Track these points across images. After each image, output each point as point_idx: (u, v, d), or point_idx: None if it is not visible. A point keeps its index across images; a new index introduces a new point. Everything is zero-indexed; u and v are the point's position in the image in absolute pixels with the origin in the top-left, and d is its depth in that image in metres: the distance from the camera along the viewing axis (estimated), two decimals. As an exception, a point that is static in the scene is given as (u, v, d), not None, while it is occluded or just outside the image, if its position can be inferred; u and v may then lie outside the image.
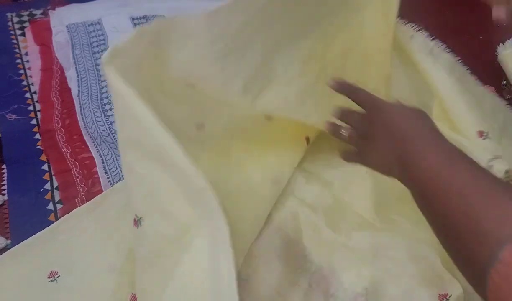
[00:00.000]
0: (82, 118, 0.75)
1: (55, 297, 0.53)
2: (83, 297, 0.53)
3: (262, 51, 0.54)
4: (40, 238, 0.58)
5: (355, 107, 0.47)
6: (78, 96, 0.80)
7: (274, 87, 0.55)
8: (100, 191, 0.65)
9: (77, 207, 0.63)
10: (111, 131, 0.73)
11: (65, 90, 0.82)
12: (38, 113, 0.79)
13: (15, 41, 0.95)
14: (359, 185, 0.64)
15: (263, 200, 0.59)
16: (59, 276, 0.54)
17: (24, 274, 0.54)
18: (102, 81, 0.83)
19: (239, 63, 0.52)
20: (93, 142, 0.72)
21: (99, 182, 0.66)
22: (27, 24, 1.00)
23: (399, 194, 0.62)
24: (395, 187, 0.63)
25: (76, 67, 0.85)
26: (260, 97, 0.55)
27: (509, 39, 0.95)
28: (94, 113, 0.76)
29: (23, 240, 0.57)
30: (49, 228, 0.59)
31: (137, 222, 0.46)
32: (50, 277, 0.54)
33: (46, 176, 0.68)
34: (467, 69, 0.71)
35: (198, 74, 0.51)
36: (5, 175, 0.68)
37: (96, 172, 0.67)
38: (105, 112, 0.76)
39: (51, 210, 0.64)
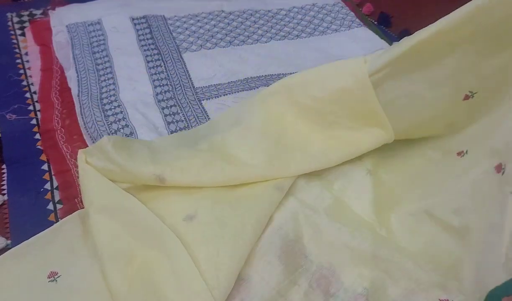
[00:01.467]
0: (82, 118, 0.75)
1: (55, 297, 0.53)
2: (82, 297, 0.53)
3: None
4: (40, 238, 0.58)
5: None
6: (78, 96, 0.80)
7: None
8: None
9: (77, 207, 0.63)
10: (111, 131, 0.73)
11: (65, 90, 0.82)
12: (38, 113, 0.79)
13: (15, 41, 0.95)
14: (358, 186, 0.64)
15: (266, 204, 0.59)
16: (59, 276, 0.54)
17: (24, 274, 0.54)
18: (102, 81, 0.83)
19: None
20: (93, 142, 0.72)
21: (99, 182, 0.66)
22: (27, 24, 1.00)
23: (397, 197, 0.63)
24: (393, 188, 0.64)
25: (76, 67, 0.85)
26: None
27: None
28: (94, 113, 0.76)
29: (23, 240, 0.57)
30: (50, 229, 0.59)
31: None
32: (50, 277, 0.54)
33: (46, 176, 0.68)
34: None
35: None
36: (5, 175, 0.68)
37: (96, 172, 0.67)
38: (105, 112, 0.76)
39: (51, 210, 0.64)
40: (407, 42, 0.55)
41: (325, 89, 0.63)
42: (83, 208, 0.61)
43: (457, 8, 0.53)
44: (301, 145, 0.65)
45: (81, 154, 0.61)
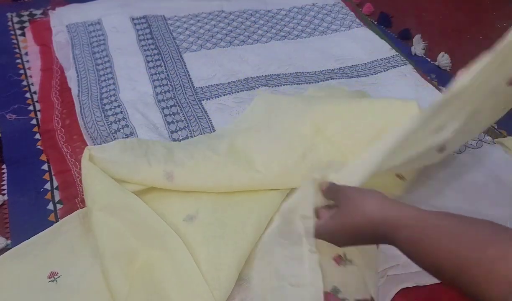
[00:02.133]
0: (82, 118, 0.75)
1: (55, 297, 0.53)
2: (82, 297, 0.53)
3: None
4: (40, 238, 0.58)
5: None
6: (78, 96, 0.80)
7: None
8: (100, 191, 0.65)
9: (77, 207, 0.63)
10: (111, 131, 0.73)
11: (65, 90, 0.82)
12: (38, 113, 0.79)
13: (15, 41, 0.95)
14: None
15: (266, 206, 0.59)
16: (59, 276, 0.54)
17: (24, 274, 0.54)
18: (102, 81, 0.83)
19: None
20: (93, 142, 0.72)
21: (99, 182, 0.66)
22: (27, 24, 1.00)
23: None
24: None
25: (76, 67, 0.85)
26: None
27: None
28: (94, 113, 0.75)
29: (23, 240, 0.57)
30: (50, 229, 0.59)
31: None
32: (50, 278, 0.54)
33: (46, 176, 0.68)
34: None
35: None
36: (5, 175, 0.68)
37: (96, 172, 0.67)
38: (105, 112, 0.76)
39: (51, 210, 0.64)
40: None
41: (371, 121, 0.62)
42: (83, 208, 0.61)
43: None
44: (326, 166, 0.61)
45: (86, 151, 0.61)
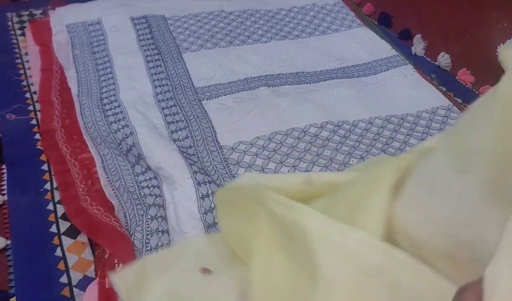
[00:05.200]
0: (82, 118, 0.75)
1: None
2: None
3: None
4: None
5: None
6: (78, 96, 0.80)
7: None
8: (100, 190, 0.65)
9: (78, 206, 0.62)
10: (111, 131, 0.73)
11: (65, 90, 0.82)
12: (38, 113, 0.79)
13: (15, 41, 0.95)
14: None
15: None
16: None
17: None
18: (102, 81, 0.83)
19: None
20: (93, 142, 0.72)
21: (99, 181, 0.66)
22: (27, 24, 1.00)
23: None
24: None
25: (76, 67, 0.85)
26: None
27: (509, 39, 0.95)
28: (94, 113, 0.75)
29: (23, 240, 0.57)
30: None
31: None
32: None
33: (46, 176, 0.68)
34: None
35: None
36: (5, 175, 0.68)
37: (96, 172, 0.67)
38: (105, 112, 0.76)
39: (51, 210, 0.64)
40: None
41: None
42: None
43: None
44: None
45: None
